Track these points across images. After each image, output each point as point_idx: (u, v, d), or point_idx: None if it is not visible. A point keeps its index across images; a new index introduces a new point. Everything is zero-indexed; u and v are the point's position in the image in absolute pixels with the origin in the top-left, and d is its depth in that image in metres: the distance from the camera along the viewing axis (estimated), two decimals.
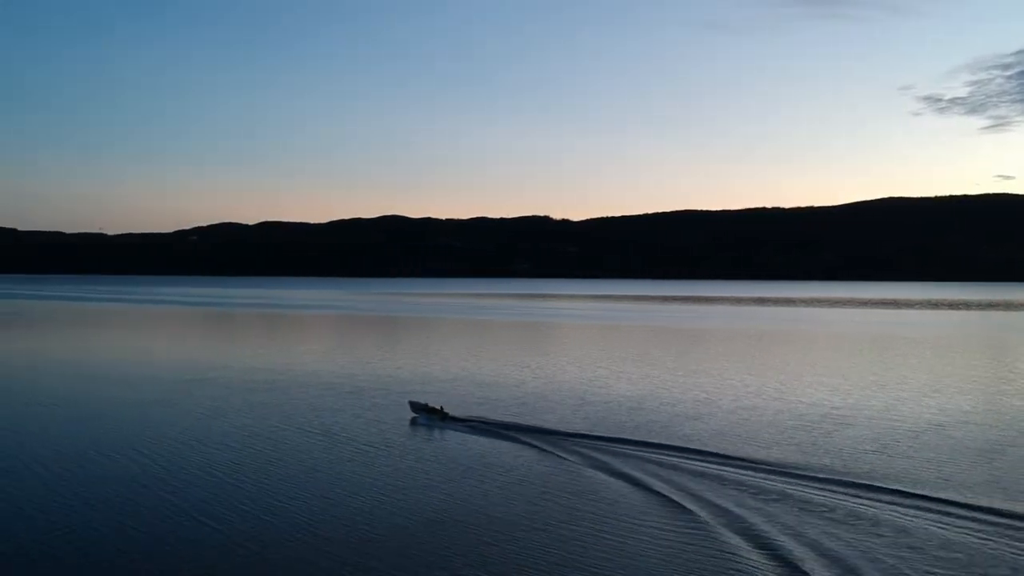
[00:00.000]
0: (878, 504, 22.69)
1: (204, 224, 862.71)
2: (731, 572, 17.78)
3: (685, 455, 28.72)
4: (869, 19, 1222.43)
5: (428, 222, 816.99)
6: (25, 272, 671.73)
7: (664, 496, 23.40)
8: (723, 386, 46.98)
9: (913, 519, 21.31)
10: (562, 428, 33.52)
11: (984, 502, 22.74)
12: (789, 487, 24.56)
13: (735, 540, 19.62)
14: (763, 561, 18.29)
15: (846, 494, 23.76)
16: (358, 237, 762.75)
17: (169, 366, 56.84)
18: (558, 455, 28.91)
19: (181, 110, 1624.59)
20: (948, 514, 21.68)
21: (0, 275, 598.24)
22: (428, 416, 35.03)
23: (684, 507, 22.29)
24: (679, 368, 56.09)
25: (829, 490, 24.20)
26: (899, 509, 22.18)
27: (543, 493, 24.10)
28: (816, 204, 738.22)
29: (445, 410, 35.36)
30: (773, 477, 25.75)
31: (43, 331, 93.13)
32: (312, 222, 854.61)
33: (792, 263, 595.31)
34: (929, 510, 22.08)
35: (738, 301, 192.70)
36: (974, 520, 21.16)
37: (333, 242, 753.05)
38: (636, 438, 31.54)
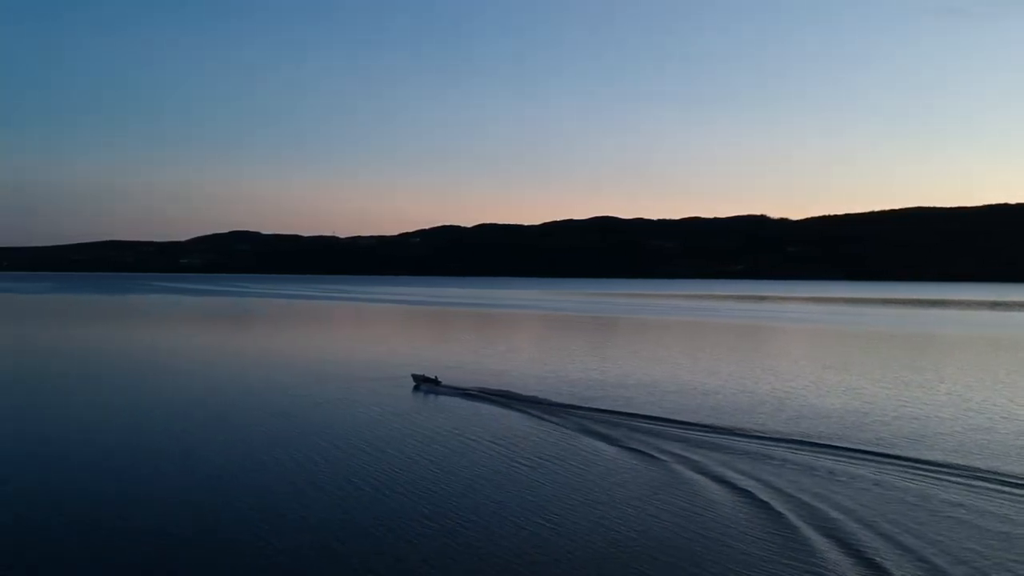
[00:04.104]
0: None
1: (426, 227, 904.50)
2: None
3: (936, 471, 23.84)
4: None
5: (640, 223, 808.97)
6: (267, 272, 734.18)
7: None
8: (941, 398, 40.19)
9: None
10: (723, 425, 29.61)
11: None
12: None
13: None
14: None
15: None
16: (571, 238, 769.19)
17: (367, 362, 57.41)
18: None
19: (406, 119, 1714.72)
20: None
21: (243, 274, 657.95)
22: (427, 384, 42.03)
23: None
24: (890, 376, 49.15)
25: None
26: None
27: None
28: None
29: (438, 379, 42.49)
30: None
31: (261, 327, 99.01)
32: (526, 224, 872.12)
33: None
34: None
35: (970, 304, 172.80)
36: None
37: (546, 243, 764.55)
38: (867, 449, 26.96)
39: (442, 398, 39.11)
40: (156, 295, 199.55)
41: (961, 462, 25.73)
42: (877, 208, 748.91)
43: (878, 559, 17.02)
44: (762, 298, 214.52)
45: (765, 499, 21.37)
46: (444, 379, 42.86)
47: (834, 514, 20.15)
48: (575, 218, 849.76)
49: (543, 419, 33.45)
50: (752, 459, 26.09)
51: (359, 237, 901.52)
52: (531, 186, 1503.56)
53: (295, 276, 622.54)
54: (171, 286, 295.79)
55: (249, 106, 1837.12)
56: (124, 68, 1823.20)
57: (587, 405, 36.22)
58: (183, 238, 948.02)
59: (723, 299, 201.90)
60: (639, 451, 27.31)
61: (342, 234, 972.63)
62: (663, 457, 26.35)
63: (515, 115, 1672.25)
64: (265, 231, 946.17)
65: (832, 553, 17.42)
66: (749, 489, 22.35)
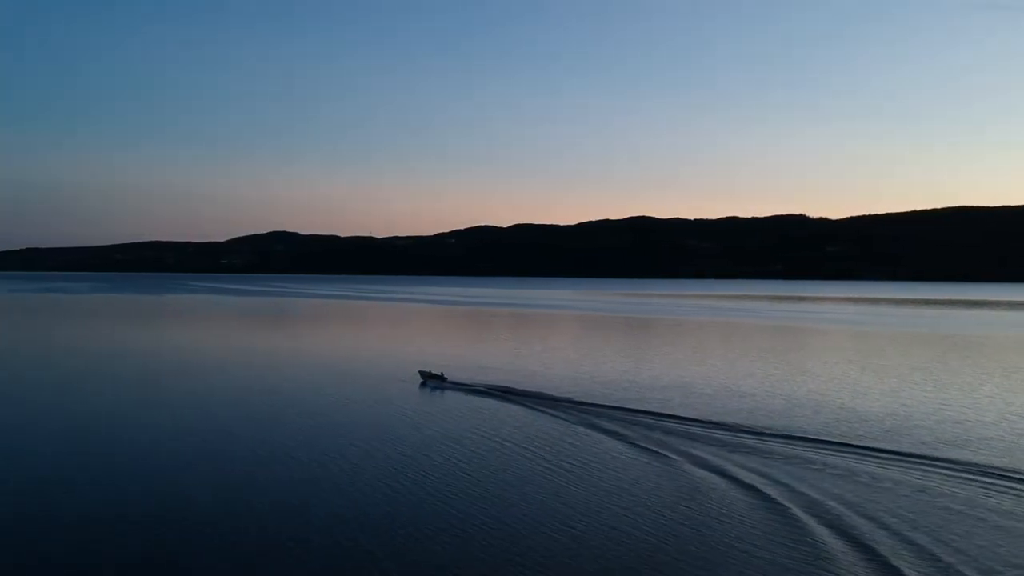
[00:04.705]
0: None
1: (462, 227, 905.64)
2: None
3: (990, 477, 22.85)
4: None
5: (676, 223, 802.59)
6: (305, 272, 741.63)
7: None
8: (983, 400, 38.97)
9: None
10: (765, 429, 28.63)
11: None
12: None
13: None
14: None
15: None
16: (607, 238, 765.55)
17: (396, 361, 57.42)
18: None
19: (443, 120, 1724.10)
20: None
21: (281, 274, 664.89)
22: (433, 381, 43.34)
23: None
24: (931, 378, 47.87)
25: None
26: None
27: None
28: None
29: (444, 375, 43.73)
30: None
31: (295, 327, 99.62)
32: (562, 224, 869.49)
33: None
34: None
35: (1013, 305, 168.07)
36: None
37: (582, 243, 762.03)
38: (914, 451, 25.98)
39: (448, 394, 40.23)
40: (194, 295, 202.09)
41: (1008, 466, 24.75)
42: (918, 207, 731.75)
43: (918, 574, 16.25)
44: (799, 298, 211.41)
45: (804, 506, 20.63)
46: (450, 376, 44.07)
47: (877, 523, 19.40)
48: (611, 218, 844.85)
49: (554, 417, 33.52)
50: (791, 463, 25.31)
51: (396, 238, 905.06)
52: (567, 186, 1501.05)
53: (332, 276, 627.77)
54: (210, 286, 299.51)
55: (287, 108, 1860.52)
56: (166, 70, 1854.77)
57: (598, 403, 36.19)
58: (223, 239, 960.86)
59: (760, 299, 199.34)
60: (662, 453, 26.69)
61: (379, 235, 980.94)
62: (694, 460, 25.70)
63: (552, 116, 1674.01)
64: (303, 232, 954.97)
65: (870, 566, 16.69)
66: (787, 495, 21.61)
